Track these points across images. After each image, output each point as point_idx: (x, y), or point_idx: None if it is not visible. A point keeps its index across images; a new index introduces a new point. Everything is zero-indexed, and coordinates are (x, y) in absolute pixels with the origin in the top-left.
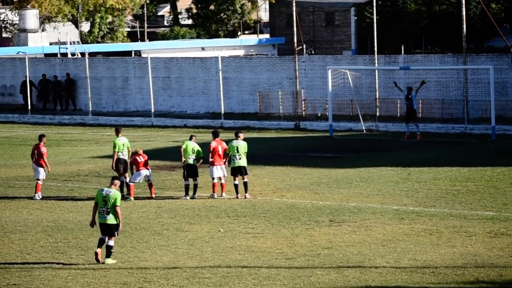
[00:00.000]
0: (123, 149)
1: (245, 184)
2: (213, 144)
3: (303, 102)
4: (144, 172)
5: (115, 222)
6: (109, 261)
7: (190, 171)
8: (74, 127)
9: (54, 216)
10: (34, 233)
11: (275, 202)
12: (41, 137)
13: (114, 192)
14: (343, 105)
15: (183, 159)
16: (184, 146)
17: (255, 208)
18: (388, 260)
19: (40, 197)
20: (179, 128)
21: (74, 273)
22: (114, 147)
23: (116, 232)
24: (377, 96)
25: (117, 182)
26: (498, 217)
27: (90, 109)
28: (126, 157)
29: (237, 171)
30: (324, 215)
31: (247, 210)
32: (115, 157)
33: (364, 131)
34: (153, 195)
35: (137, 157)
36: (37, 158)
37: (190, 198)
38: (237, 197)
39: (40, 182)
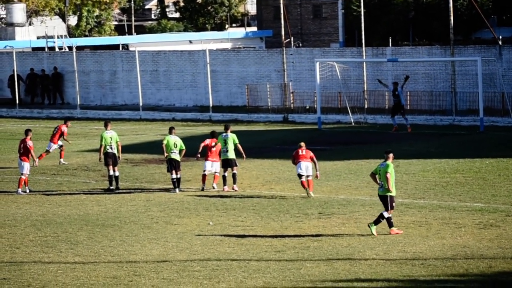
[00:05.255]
0: (110, 142)
1: (233, 175)
2: (207, 141)
3: (291, 95)
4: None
5: (389, 193)
6: (373, 229)
7: (174, 165)
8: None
9: (43, 210)
10: (23, 227)
11: (264, 195)
12: (27, 131)
13: (387, 164)
14: (331, 97)
15: (166, 154)
16: (165, 142)
17: (244, 201)
18: (377, 252)
19: (28, 191)
20: (168, 121)
21: (63, 267)
22: (101, 140)
23: (392, 204)
24: (365, 89)
25: (391, 156)
26: (487, 209)
27: (78, 103)
28: (114, 151)
29: (225, 164)
30: (313, 207)
31: (236, 203)
32: (102, 150)
33: (353, 123)
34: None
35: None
36: (23, 152)
37: (172, 191)
38: (224, 190)
39: (23, 177)
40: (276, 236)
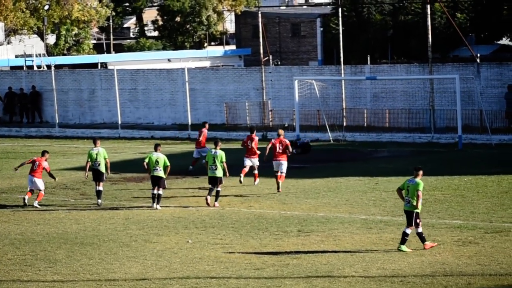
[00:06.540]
0: (96, 159)
1: (217, 192)
2: (245, 138)
3: (270, 113)
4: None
5: (416, 210)
6: (404, 248)
7: (156, 182)
8: (41, 139)
9: (21, 228)
10: (2, 245)
11: (243, 213)
12: (44, 152)
13: (418, 182)
14: (310, 115)
15: (148, 171)
16: (146, 160)
17: (223, 219)
18: (356, 269)
19: (32, 203)
20: (146, 139)
21: (42, 286)
22: (87, 157)
23: (417, 220)
24: (344, 106)
25: (421, 172)
26: (466, 226)
27: (57, 122)
28: (100, 168)
29: (212, 181)
30: (292, 225)
31: (215, 221)
32: (87, 166)
33: (331, 141)
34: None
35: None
36: (36, 170)
37: (149, 207)
38: (214, 205)
39: (42, 193)
40: (255, 254)
